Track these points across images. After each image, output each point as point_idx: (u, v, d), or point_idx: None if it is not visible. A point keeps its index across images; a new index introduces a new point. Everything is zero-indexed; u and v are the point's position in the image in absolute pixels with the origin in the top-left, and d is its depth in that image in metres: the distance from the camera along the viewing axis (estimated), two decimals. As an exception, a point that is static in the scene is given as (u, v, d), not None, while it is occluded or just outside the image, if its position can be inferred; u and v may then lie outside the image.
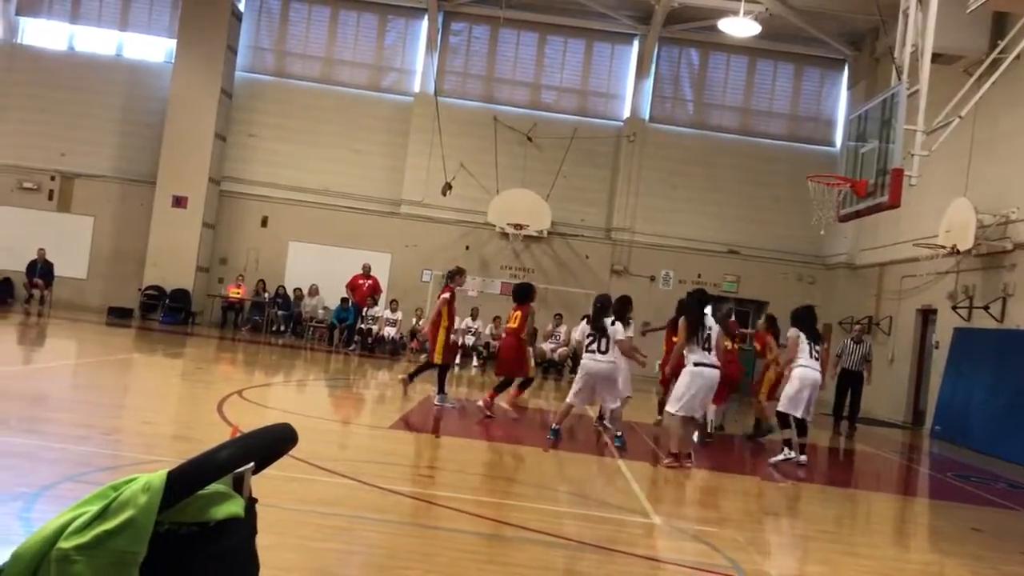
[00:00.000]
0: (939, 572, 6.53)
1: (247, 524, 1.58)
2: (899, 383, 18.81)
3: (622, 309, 10.54)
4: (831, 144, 23.88)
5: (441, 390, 11.98)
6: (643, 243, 23.68)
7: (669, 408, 9.64)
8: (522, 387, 12.77)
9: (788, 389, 10.26)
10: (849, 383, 15.94)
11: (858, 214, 13.15)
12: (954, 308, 16.56)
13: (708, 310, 9.57)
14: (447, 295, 12.04)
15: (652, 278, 23.62)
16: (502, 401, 12.13)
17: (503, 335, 13.10)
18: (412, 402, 12.26)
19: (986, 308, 15.52)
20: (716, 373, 9.31)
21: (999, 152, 15.76)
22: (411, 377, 12.47)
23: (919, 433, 17.07)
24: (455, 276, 12.40)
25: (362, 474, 6.97)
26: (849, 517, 8.54)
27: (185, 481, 1.45)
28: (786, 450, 10.11)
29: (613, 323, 9.98)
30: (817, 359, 10.29)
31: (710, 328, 9.35)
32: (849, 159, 13.71)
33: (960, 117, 12.37)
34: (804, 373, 10.13)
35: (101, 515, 1.44)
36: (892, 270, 19.77)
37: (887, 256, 19.87)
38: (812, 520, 8.09)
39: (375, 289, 21.34)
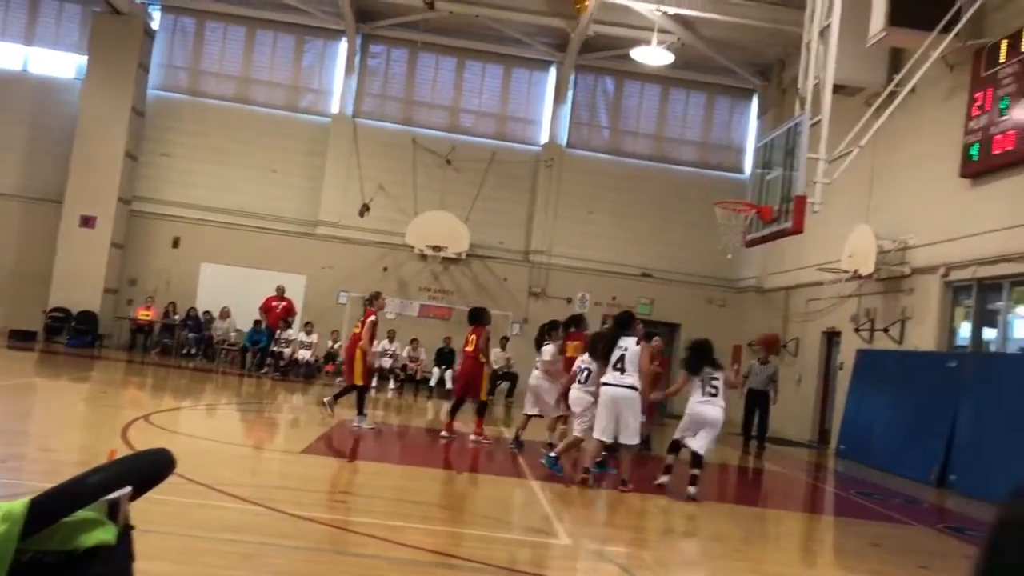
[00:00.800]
0: (838, 587, 6.73)
1: (120, 552, 1.56)
2: (806, 404, 19.35)
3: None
4: (741, 171, 24.55)
5: (360, 411, 12.02)
6: (560, 266, 23.92)
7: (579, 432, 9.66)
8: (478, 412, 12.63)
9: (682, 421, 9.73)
10: (756, 403, 16.03)
11: (764, 239, 13.56)
12: (856, 330, 17.14)
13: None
14: (373, 318, 12.25)
15: (569, 300, 23.85)
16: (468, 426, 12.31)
17: (462, 358, 13.43)
18: (326, 426, 12.12)
19: (886, 330, 16.11)
20: (622, 392, 9.17)
21: (898, 180, 16.43)
22: (335, 399, 12.44)
23: (825, 452, 17.56)
24: (375, 299, 12.63)
25: (271, 500, 6.86)
26: (757, 535, 8.74)
27: (50, 508, 1.43)
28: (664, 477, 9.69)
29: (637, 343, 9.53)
30: (713, 394, 9.45)
31: (625, 349, 9.37)
32: (756, 186, 14.15)
33: (860, 146, 12.90)
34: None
35: (-41, 545, 1.40)
36: (798, 293, 20.37)
37: (793, 280, 20.48)
38: (720, 538, 8.25)
39: (289, 311, 21.03)
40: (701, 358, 9.61)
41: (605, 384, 9.29)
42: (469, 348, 12.25)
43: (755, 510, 10.08)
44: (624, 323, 9.71)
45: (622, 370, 9.28)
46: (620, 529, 7.84)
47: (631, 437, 9.24)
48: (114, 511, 1.56)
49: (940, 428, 13.28)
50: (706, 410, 9.39)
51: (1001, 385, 12.36)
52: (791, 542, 8.87)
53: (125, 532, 1.59)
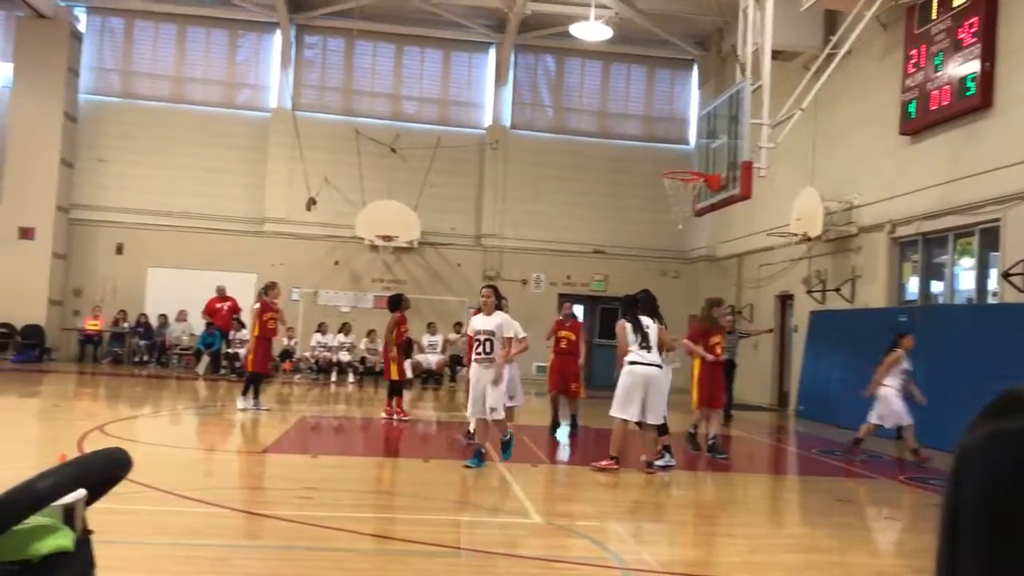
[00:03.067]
0: (810, 544, 6.81)
1: (79, 559, 1.48)
2: (763, 368, 19.59)
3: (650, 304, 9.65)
4: (686, 142, 24.65)
5: (245, 394, 13.07)
6: (513, 248, 23.88)
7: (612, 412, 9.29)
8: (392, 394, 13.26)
9: (618, 390, 9.28)
10: (725, 372, 16.05)
11: (713, 207, 13.65)
12: (809, 292, 17.38)
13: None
14: (258, 307, 13.22)
15: (524, 282, 23.85)
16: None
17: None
18: (287, 424, 11.97)
19: (837, 290, 16.36)
20: (652, 371, 9.05)
21: (840, 142, 16.64)
22: (244, 393, 13.16)
23: (785, 414, 17.82)
24: (269, 290, 13.39)
25: (235, 501, 6.75)
26: (723, 500, 8.82)
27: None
28: (667, 455, 9.60)
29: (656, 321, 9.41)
30: (647, 348, 9.16)
31: (647, 327, 9.22)
32: (702, 155, 14.22)
33: (802, 110, 13.01)
34: (631, 370, 9.14)
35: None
36: (750, 260, 20.58)
37: (744, 247, 20.68)
38: (688, 506, 8.31)
39: (235, 310, 20.62)
40: (644, 305, 9.48)
41: (633, 363, 9.11)
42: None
43: (721, 475, 10.16)
44: (636, 302, 9.55)
45: (648, 348, 9.15)
46: (590, 504, 7.85)
47: (658, 416, 9.21)
48: (70, 516, 1.48)
49: (895, 382, 13.49)
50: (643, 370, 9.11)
51: (952, 336, 12.61)
52: (758, 504, 8.96)
53: (84, 538, 1.51)
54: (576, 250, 24.00)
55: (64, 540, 1.44)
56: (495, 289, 9.34)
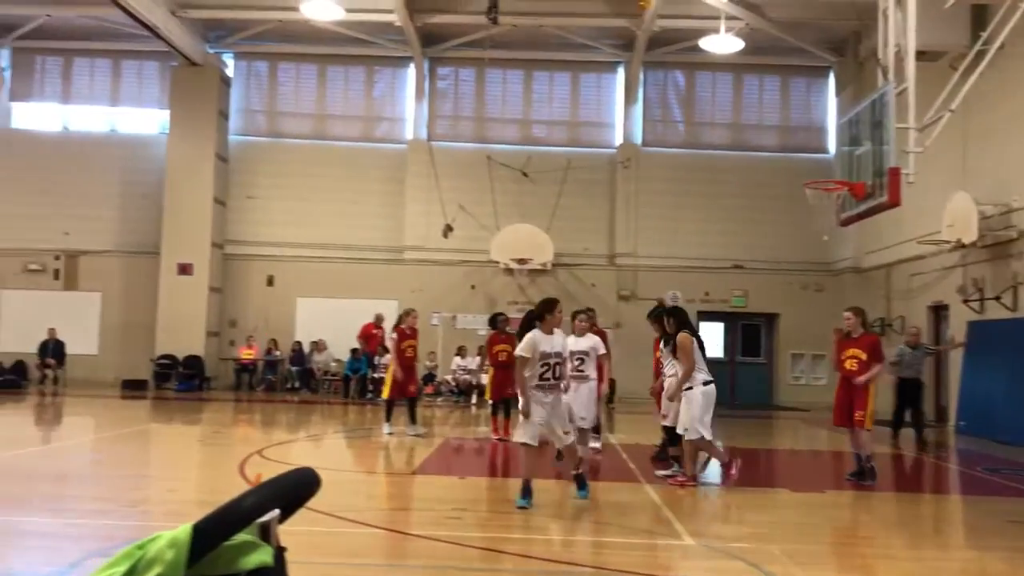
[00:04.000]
0: (980, 568, 6.43)
1: (278, 573, 1.57)
2: (919, 382, 18.66)
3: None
4: (824, 151, 23.95)
5: (388, 419, 13.33)
6: (648, 266, 23.68)
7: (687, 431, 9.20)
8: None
9: (694, 408, 9.05)
10: (910, 392, 13.81)
11: (859, 216, 13.16)
12: (965, 302, 16.48)
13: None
14: (395, 336, 13.30)
15: (660, 300, 23.53)
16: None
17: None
18: (432, 446, 12.22)
19: (998, 299, 15.45)
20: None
21: (995, 142, 15.78)
22: (387, 419, 13.42)
23: (944, 430, 16.90)
24: (404, 317, 13.47)
25: (390, 522, 6.93)
26: (883, 521, 8.43)
27: (211, 532, 1.44)
28: (676, 466, 9.63)
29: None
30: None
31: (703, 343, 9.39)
32: (844, 163, 13.76)
33: (951, 111, 12.42)
34: (709, 391, 9.12)
35: (129, 575, 1.43)
36: (899, 270, 19.72)
37: (893, 256, 19.83)
38: (845, 526, 8.00)
39: (382, 338, 21.23)
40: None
41: (708, 382, 9.15)
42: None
43: (878, 495, 9.71)
44: (675, 314, 9.65)
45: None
46: (743, 525, 7.65)
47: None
48: (266, 534, 1.56)
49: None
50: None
51: None
52: (921, 525, 8.53)
53: (279, 554, 1.59)
54: (713, 266, 23.59)
55: (266, 556, 1.52)
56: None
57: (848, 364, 9.68)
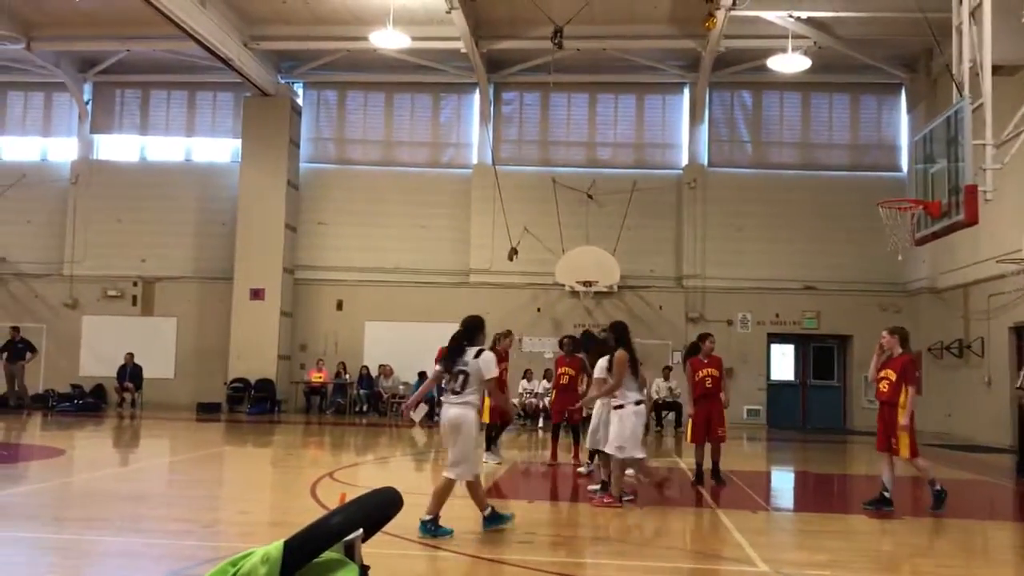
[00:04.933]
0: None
1: (363, 590, 1.59)
2: (999, 406, 18.06)
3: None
4: (897, 169, 23.48)
5: (489, 448, 12.71)
6: (716, 288, 23.42)
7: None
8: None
9: (626, 427, 9.19)
10: None
11: (935, 236, 12.82)
12: (1049, 322, 15.93)
13: None
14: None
15: (729, 322, 23.31)
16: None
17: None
18: (501, 470, 12.21)
19: (1083, 319, 14.90)
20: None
21: (1075, 157, 15.24)
22: (488, 445, 12.78)
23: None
24: (502, 339, 12.74)
25: (460, 546, 6.94)
26: (963, 549, 8.15)
27: (302, 549, 1.47)
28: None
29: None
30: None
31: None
32: (918, 181, 13.44)
33: (1030, 126, 12.05)
34: (640, 411, 9.27)
35: (224, 590, 1.46)
36: (977, 290, 19.16)
37: (970, 276, 19.28)
38: (922, 554, 7.75)
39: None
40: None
41: (640, 402, 9.31)
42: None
43: (956, 522, 9.38)
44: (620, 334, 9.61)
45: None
46: (818, 552, 7.48)
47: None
48: (350, 552, 1.59)
49: None
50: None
51: None
52: (1003, 555, 8.22)
53: (363, 572, 1.61)
54: (784, 287, 23.22)
55: (352, 573, 1.55)
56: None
57: (881, 385, 9.47)
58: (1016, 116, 12.23)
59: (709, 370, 10.92)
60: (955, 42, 12.71)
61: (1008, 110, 12.39)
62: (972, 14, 12.37)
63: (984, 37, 11.90)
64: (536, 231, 23.32)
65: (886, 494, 9.39)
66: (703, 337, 11.03)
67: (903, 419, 9.16)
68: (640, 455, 9.32)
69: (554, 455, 13.16)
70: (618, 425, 9.22)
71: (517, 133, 24.87)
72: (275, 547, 1.43)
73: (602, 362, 9.74)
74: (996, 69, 12.35)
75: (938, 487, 9.40)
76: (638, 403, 9.23)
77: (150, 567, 6.12)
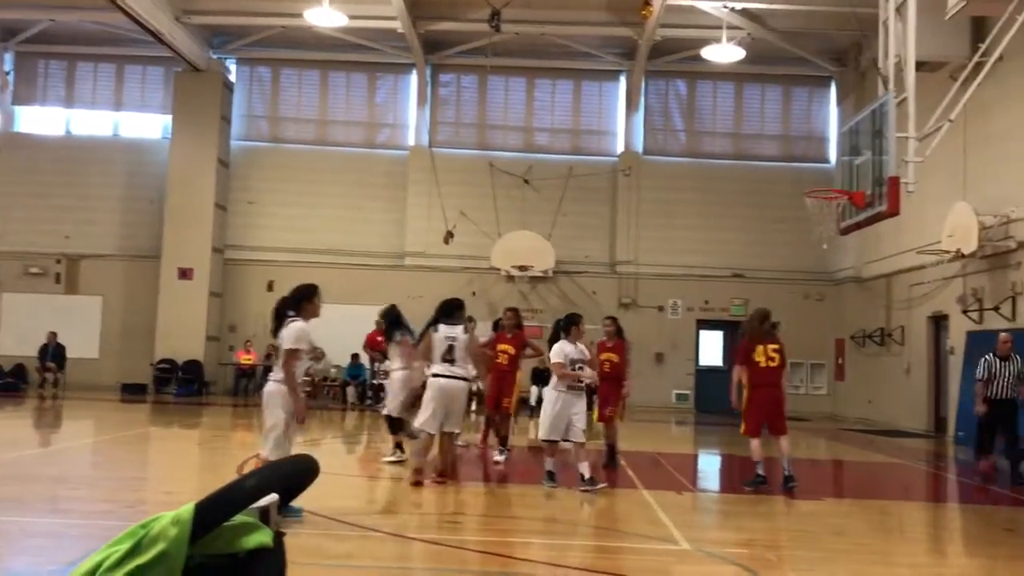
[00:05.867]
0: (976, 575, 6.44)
1: (277, 556, 1.60)
2: (917, 392, 18.69)
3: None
4: (826, 160, 24.01)
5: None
6: (649, 274, 23.72)
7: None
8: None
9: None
10: (1002, 414, 11.42)
11: (859, 225, 13.19)
12: (965, 312, 16.51)
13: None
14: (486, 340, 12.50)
15: (660, 308, 23.65)
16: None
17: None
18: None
19: (996, 309, 15.47)
20: (453, 384, 9.15)
21: (994, 153, 15.82)
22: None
23: (942, 441, 16.92)
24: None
25: (389, 526, 6.94)
26: (879, 528, 8.44)
27: (213, 511, 1.47)
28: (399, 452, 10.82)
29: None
30: (450, 362, 9.22)
31: (454, 339, 9.26)
32: (845, 172, 13.79)
33: (950, 121, 12.45)
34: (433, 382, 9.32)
35: (133, 551, 1.46)
36: (899, 280, 19.74)
37: (893, 266, 19.86)
38: (842, 533, 7.99)
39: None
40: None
41: (437, 375, 9.39)
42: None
43: (875, 503, 9.72)
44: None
45: (452, 360, 9.29)
46: (737, 532, 7.67)
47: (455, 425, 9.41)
48: (265, 518, 1.59)
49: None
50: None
51: None
52: (918, 532, 8.55)
53: (278, 538, 1.62)
54: (714, 274, 23.62)
55: (265, 537, 1.55)
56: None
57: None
58: (938, 111, 12.62)
59: (609, 354, 10.94)
60: (881, 37, 13.05)
61: (931, 105, 12.78)
62: (898, 10, 12.72)
63: (909, 33, 12.25)
64: (472, 215, 23.29)
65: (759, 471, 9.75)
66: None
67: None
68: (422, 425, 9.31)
69: (484, 438, 13.16)
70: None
71: (454, 116, 24.78)
72: (186, 509, 1.43)
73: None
74: (920, 65, 12.72)
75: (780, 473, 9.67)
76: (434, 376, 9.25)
77: (71, 547, 6.00)
